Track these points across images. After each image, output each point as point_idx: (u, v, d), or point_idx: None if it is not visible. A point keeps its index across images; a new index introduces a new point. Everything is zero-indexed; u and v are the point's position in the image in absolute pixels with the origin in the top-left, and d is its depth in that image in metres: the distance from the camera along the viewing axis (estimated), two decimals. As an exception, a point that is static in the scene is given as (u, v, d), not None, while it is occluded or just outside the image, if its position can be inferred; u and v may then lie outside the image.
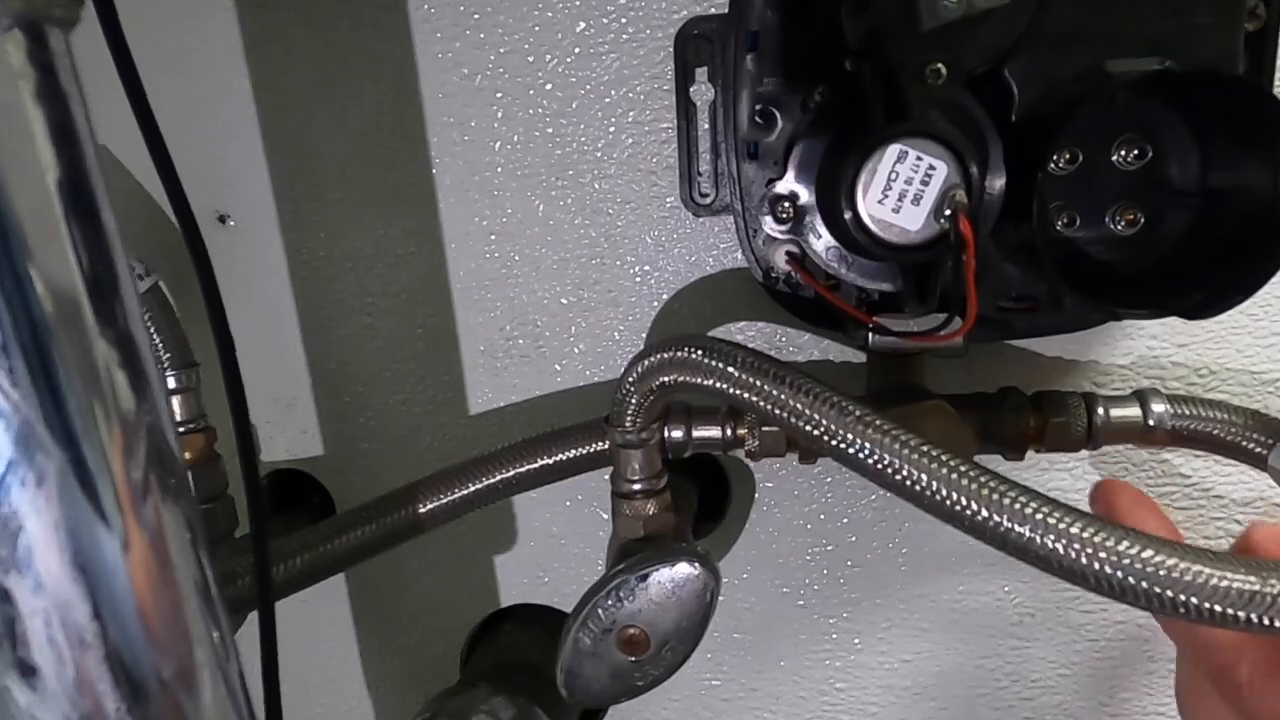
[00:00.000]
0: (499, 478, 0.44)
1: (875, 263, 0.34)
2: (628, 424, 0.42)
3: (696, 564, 0.39)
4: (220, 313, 0.34)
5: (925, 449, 0.33)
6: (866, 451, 0.34)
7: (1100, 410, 0.43)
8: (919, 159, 0.30)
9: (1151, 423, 0.43)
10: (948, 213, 0.30)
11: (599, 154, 0.51)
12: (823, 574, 0.55)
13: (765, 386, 0.36)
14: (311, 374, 0.56)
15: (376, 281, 0.54)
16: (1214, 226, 0.39)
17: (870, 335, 0.40)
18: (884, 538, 0.54)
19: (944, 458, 0.33)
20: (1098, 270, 0.41)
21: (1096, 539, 0.31)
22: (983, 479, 0.32)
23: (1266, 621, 0.30)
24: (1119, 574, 0.30)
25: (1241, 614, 0.30)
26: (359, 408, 0.57)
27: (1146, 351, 0.49)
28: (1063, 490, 0.51)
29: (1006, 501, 0.32)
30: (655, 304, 0.52)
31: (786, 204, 0.34)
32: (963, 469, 0.32)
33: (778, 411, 0.35)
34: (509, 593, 0.58)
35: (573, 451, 0.45)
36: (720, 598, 0.56)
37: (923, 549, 0.54)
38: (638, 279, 0.52)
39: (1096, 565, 0.30)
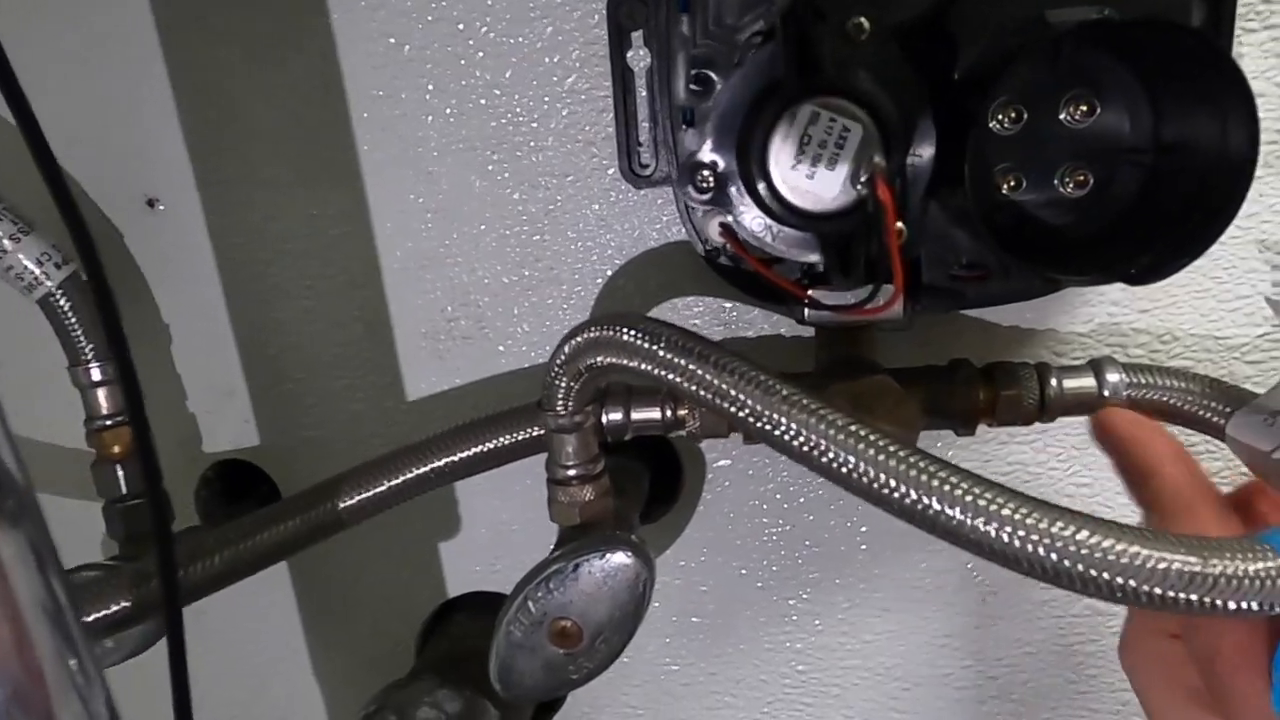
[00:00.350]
0: (429, 467, 0.42)
1: (801, 233, 0.32)
2: (559, 407, 0.40)
3: (629, 553, 0.38)
4: (112, 308, 0.32)
5: (854, 429, 0.31)
6: (792, 432, 0.32)
7: (1053, 381, 0.41)
8: (832, 120, 0.28)
9: (1106, 393, 0.41)
10: (864, 178, 0.28)
11: (535, 125, 0.49)
12: (781, 554, 0.53)
13: (690, 366, 0.34)
14: (250, 361, 0.55)
15: (312, 264, 0.53)
16: (1166, 185, 0.36)
17: (806, 310, 0.38)
18: (843, 516, 0.53)
19: (873, 438, 0.31)
20: (1046, 236, 0.39)
21: (1029, 521, 0.29)
22: (912, 459, 0.31)
23: (1209, 603, 0.28)
24: (1053, 557, 0.29)
25: (1182, 596, 0.28)
26: (301, 395, 0.55)
27: (1107, 319, 0.47)
28: (1023, 463, 0.50)
29: (935, 483, 0.30)
30: (599, 280, 0.51)
31: (706, 173, 0.32)
32: (891, 449, 0.31)
33: (703, 392, 0.34)
34: (461, 581, 0.57)
35: (508, 437, 0.43)
36: (676, 581, 0.55)
37: (883, 526, 0.52)
38: (580, 255, 0.50)
39: (1030, 548, 0.29)
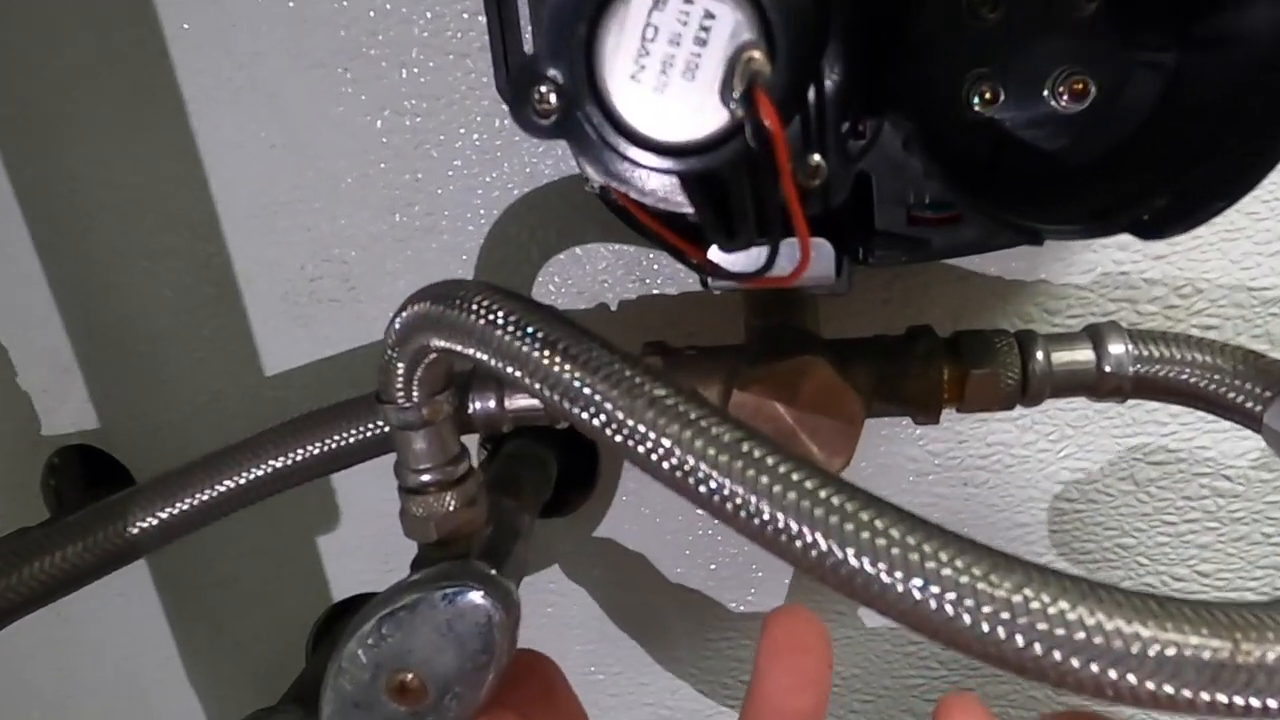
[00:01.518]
0: (243, 479, 0.34)
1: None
2: (399, 398, 0.31)
3: (480, 591, 0.29)
4: None
5: (746, 448, 0.22)
6: (660, 449, 0.23)
7: (1039, 354, 0.32)
8: (686, 5, 0.18)
9: (1107, 368, 0.32)
10: (739, 91, 0.18)
11: (393, 33, 0.39)
12: (718, 551, 0.45)
13: (533, 355, 0.25)
14: (83, 333, 0.46)
15: (147, 217, 0.43)
16: (1193, 97, 0.27)
17: (709, 280, 0.28)
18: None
19: (770, 461, 0.22)
20: (1027, 169, 0.29)
21: (977, 583, 0.20)
22: (823, 493, 0.22)
23: (1240, 705, 0.20)
24: (1018, 639, 0.20)
25: (1203, 697, 0.20)
26: (149, 370, 0.46)
27: (1113, 266, 0.37)
28: (1005, 445, 0.41)
29: (850, 528, 0.21)
30: (486, 226, 0.41)
31: (544, 89, 0.23)
32: (792, 477, 0.22)
33: (547, 390, 0.25)
34: (350, 581, 0.49)
35: (351, 434, 0.35)
36: (598, 580, 0.47)
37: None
38: (461, 196, 0.41)
39: (969, 619, 0.20)
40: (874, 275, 0.38)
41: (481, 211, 0.41)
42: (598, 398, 0.24)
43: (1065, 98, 0.29)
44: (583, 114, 0.20)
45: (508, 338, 0.26)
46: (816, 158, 0.23)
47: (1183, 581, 0.42)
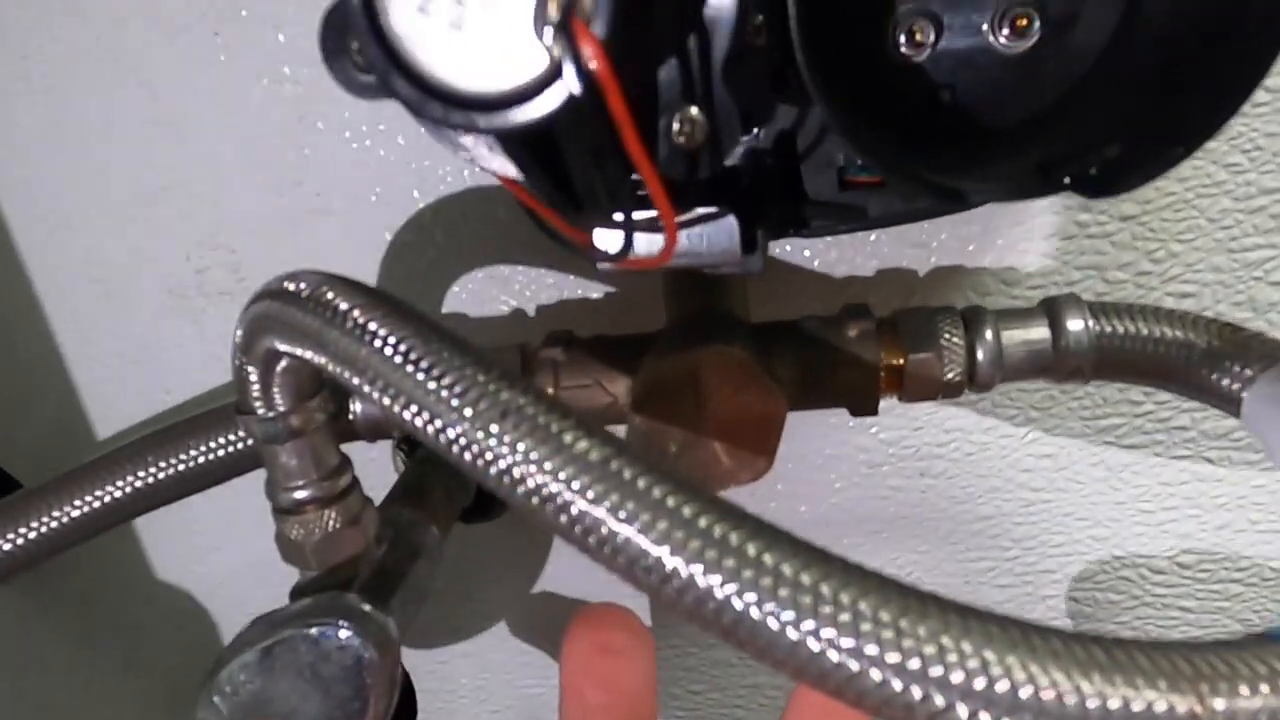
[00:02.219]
0: (96, 503, 0.30)
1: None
2: (259, 408, 0.27)
3: (345, 628, 0.26)
4: None
5: (609, 465, 0.18)
6: (502, 462, 0.19)
7: (988, 333, 0.28)
8: (479, -92, 0.14)
9: (1065, 347, 0.28)
10: (552, 20, 0.14)
11: (263, -11, 0.34)
12: (657, 553, 0.41)
13: (371, 359, 0.21)
14: (-43, 335, 0.42)
15: (11, 204, 0.39)
16: (1152, 29, 0.22)
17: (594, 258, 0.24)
18: (752, 504, 0.40)
19: (639, 481, 0.18)
20: (962, 119, 0.25)
21: (883, 630, 0.16)
22: (703, 519, 0.18)
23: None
24: (922, 692, 0.16)
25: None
26: (33, 375, 0.42)
27: (1077, 230, 0.33)
28: (964, 430, 0.37)
29: (732, 563, 0.17)
30: (382, 204, 0.37)
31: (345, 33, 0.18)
32: (662, 498, 0.18)
33: (389, 401, 0.21)
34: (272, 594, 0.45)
35: (219, 446, 0.31)
36: (528, 587, 0.43)
37: (797, 511, 0.40)
38: (353, 172, 0.37)
39: (876, 675, 0.16)
40: (810, 247, 0.34)
41: (377, 189, 0.37)
42: (442, 408, 0.20)
43: (1006, 34, 0.25)
44: (366, 59, 0.15)
45: (346, 339, 0.22)
46: (694, 110, 0.19)
47: (1162, 574, 0.38)
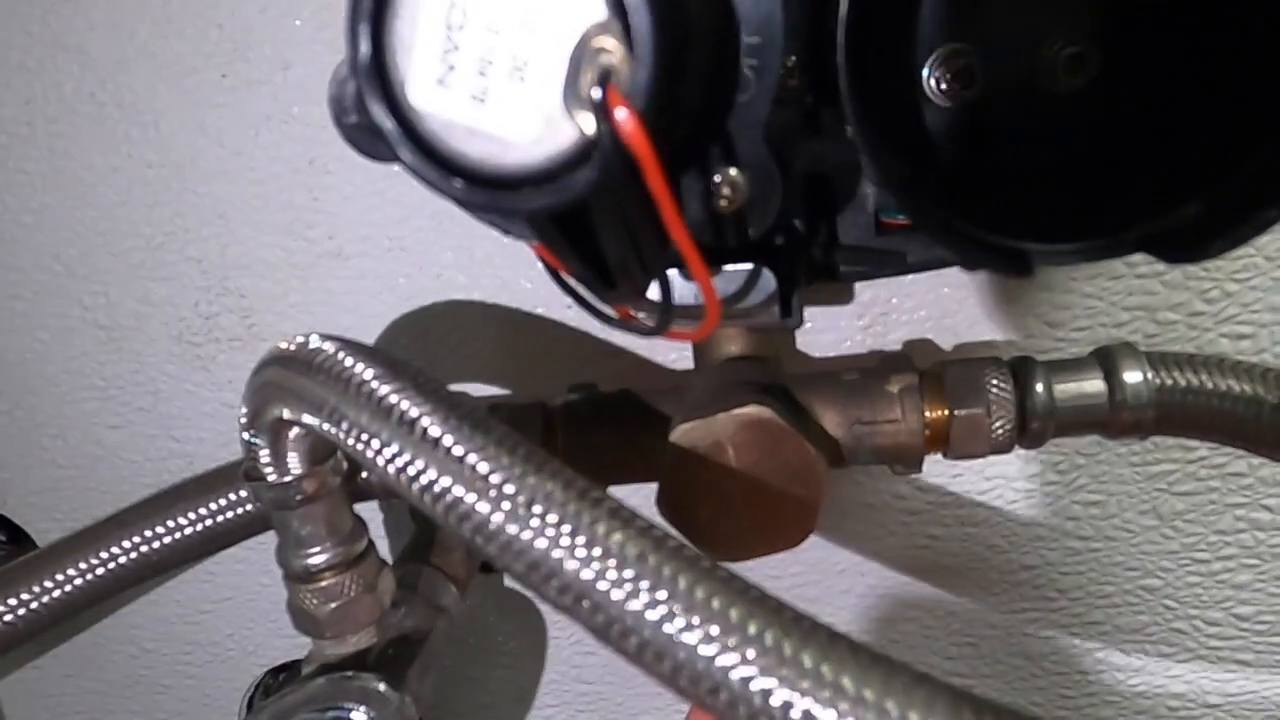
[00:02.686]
0: (77, 580, 0.28)
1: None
2: (270, 474, 0.26)
3: (359, 711, 0.24)
4: None
5: (620, 540, 0.17)
6: (533, 555, 0.17)
7: (1038, 386, 0.27)
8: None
9: (1122, 399, 0.26)
10: (594, 94, 0.13)
11: (271, 29, 0.33)
12: (684, 604, 0.40)
13: (391, 438, 0.20)
14: (-38, 384, 0.41)
15: (16, 251, 0.38)
16: (1227, 70, 0.21)
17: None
18: (787, 554, 0.39)
19: (679, 578, 0.17)
20: (1011, 168, 0.23)
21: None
22: (721, 595, 0.16)
23: None
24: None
25: None
26: (38, 424, 0.41)
27: (1125, 269, 0.32)
28: (1007, 478, 0.35)
29: (754, 652, 0.16)
30: (401, 251, 0.36)
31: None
32: (677, 573, 0.16)
33: (391, 470, 0.19)
34: (288, 645, 0.44)
35: (229, 507, 0.29)
36: (555, 637, 0.42)
37: (834, 561, 0.38)
38: (367, 214, 0.35)
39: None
40: (840, 292, 0.33)
41: (392, 233, 0.35)
42: (447, 479, 0.18)
43: (1059, 71, 0.23)
44: (382, 135, 0.14)
45: (365, 414, 0.20)
46: (733, 172, 0.18)
47: (1217, 626, 0.36)
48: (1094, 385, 0.26)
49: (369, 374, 0.21)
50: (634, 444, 0.28)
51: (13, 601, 0.28)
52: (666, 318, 0.17)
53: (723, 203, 0.18)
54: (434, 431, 0.19)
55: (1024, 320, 0.33)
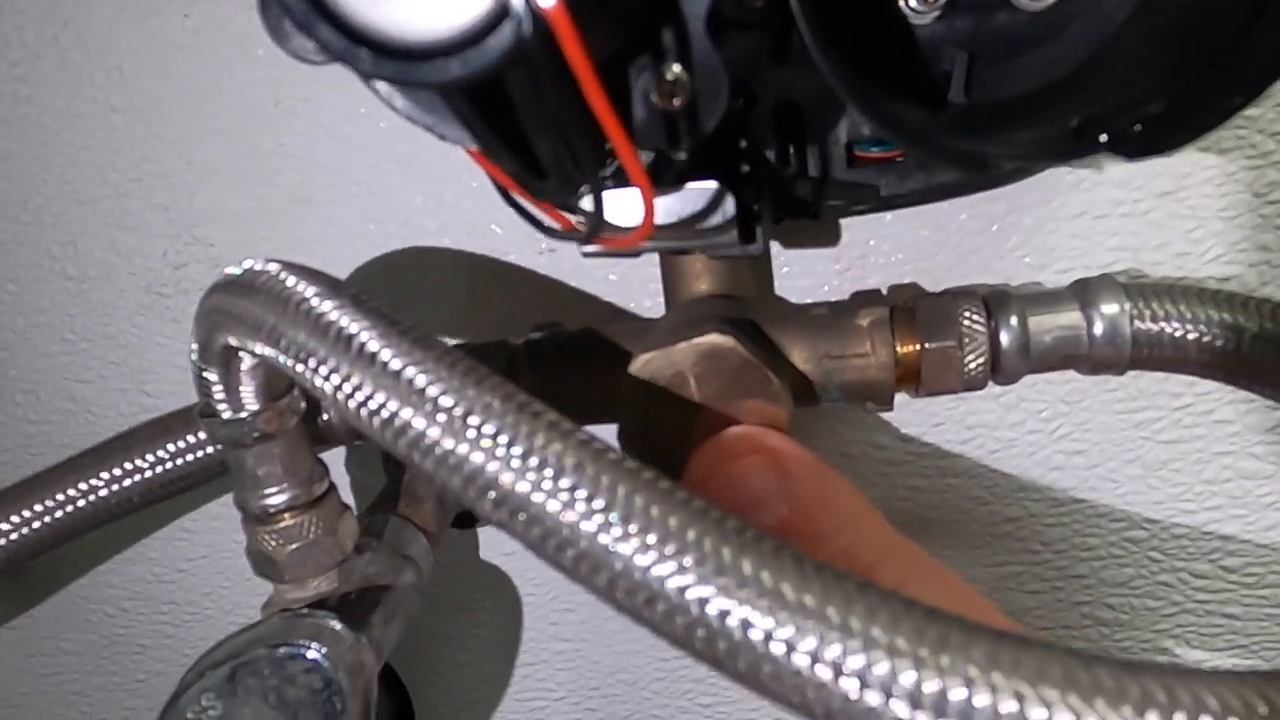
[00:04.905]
0: (46, 517, 0.28)
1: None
2: (223, 409, 0.25)
3: (312, 648, 0.24)
4: None
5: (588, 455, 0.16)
6: (470, 467, 0.17)
7: (1013, 319, 0.26)
8: None
9: (1099, 333, 0.25)
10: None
11: (233, -32, 0.32)
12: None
13: (328, 354, 0.19)
14: (-69, 338, 0.40)
15: (-17, 199, 0.37)
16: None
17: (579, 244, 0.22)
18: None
19: (618, 487, 0.16)
20: (983, 83, 0.23)
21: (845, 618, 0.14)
22: (695, 530, 0.16)
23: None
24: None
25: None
26: (9, 379, 0.41)
27: (1109, 208, 0.31)
28: (988, 426, 0.34)
29: (693, 562, 0.15)
30: (373, 195, 0.35)
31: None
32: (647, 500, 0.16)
33: (341, 395, 0.19)
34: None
35: (186, 449, 0.29)
36: (531, 597, 0.41)
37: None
38: (337, 157, 0.35)
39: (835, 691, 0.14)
40: (817, 235, 0.32)
41: (362, 176, 0.35)
42: (395, 405, 0.18)
43: (1029, -18, 0.22)
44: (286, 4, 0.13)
45: (303, 333, 0.20)
46: (676, 67, 0.17)
47: (1204, 579, 0.35)
48: (1070, 317, 0.26)
49: (309, 292, 0.20)
50: (599, 383, 0.27)
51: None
52: (598, 222, 0.16)
53: (659, 99, 0.17)
54: (371, 347, 0.19)
55: (1004, 263, 0.32)
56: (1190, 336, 0.25)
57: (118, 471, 0.29)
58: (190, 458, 0.29)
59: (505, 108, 0.14)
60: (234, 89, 0.34)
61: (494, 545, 0.40)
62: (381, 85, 0.17)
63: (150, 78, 0.34)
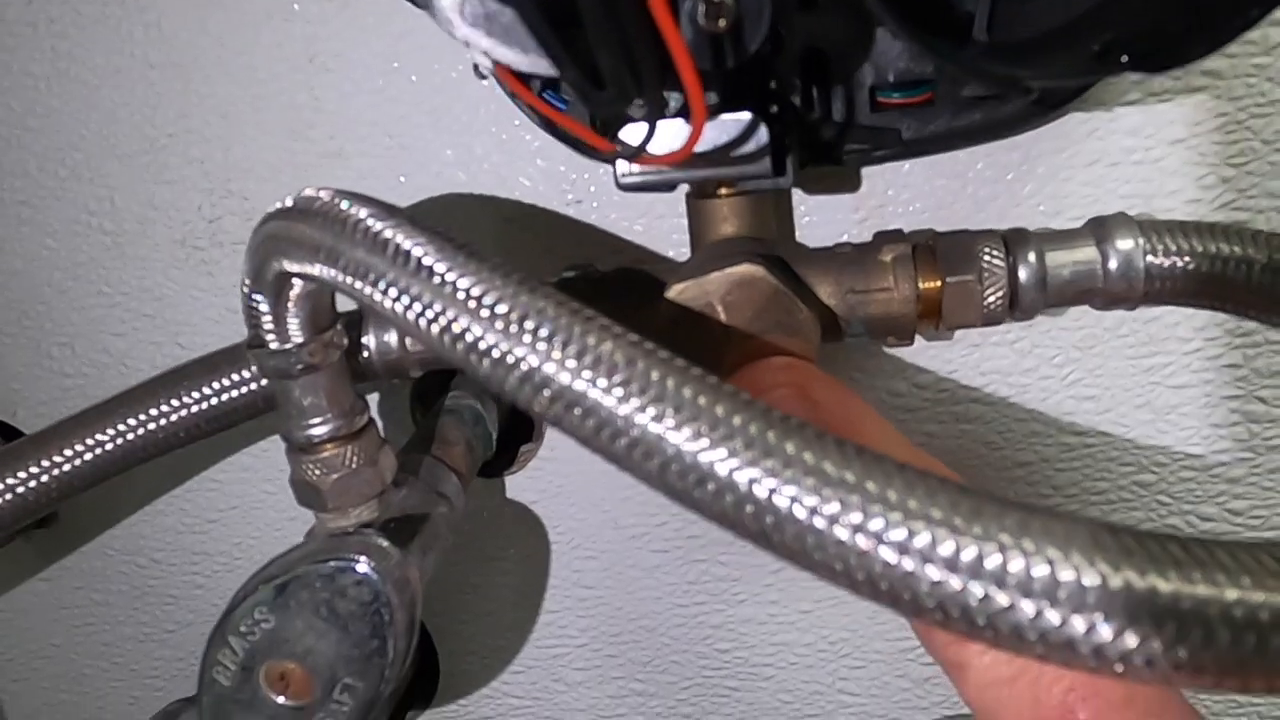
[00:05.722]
0: (94, 450, 0.29)
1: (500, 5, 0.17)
2: (271, 341, 0.26)
3: (361, 562, 0.25)
4: None
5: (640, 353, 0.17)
6: (526, 365, 0.18)
7: (1030, 255, 0.27)
8: None
9: (1114, 267, 0.26)
10: None
11: (271, -76, 0.33)
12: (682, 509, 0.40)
13: (389, 269, 0.20)
14: (-30, 292, 0.41)
15: (24, 156, 0.38)
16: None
17: (616, 169, 0.23)
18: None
19: (668, 380, 0.17)
20: (1013, 19, 0.23)
21: (891, 512, 0.15)
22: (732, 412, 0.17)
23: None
24: (972, 584, 0.15)
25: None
26: (46, 332, 0.42)
27: (1121, 155, 0.32)
28: (1002, 372, 0.35)
29: (739, 446, 0.16)
30: (405, 149, 0.36)
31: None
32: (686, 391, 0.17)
33: (411, 314, 0.20)
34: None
35: (226, 387, 0.30)
36: (554, 545, 0.42)
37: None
38: (367, 112, 0.36)
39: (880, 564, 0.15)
40: (837, 184, 0.33)
41: (392, 130, 0.36)
42: (470, 322, 0.19)
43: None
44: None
45: (361, 251, 0.21)
46: (718, -11, 0.18)
47: (1211, 522, 0.36)
48: (1086, 253, 0.27)
49: (364, 214, 0.21)
50: (631, 317, 0.28)
51: (22, 474, 0.29)
52: (652, 127, 0.17)
53: (719, 22, 0.18)
54: (427, 260, 0.20)
55: (1020, 210, 0.33)
56: (1202, 269, 0.26)
57: (165, 408, 0.30)
58: (235, 394, 0.30)
59: (572, 18, 0.15)
60: (269, 44, 0.35)
61: (519, 494, 0.41)
62: (447, 10, 0.18)
63: (188, 34, 0.35)
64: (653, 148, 0.19)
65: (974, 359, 0.35)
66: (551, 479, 0.40)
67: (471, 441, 0.37)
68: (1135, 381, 0.35)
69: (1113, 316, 0.34)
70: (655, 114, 0.17)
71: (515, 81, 0.21)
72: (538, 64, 0.17)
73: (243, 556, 0.45)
